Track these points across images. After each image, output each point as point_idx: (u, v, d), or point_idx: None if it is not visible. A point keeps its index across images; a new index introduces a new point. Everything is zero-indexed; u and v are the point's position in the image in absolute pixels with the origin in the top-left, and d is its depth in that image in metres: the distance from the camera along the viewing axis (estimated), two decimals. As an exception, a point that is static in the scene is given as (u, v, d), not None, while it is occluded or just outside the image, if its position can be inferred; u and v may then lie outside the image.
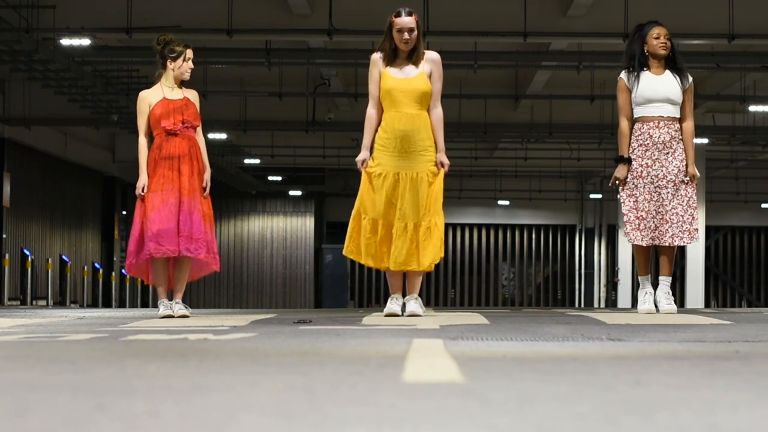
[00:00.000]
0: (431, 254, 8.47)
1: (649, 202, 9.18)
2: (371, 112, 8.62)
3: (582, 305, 42.05)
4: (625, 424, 2.17)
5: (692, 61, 22.02)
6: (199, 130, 9.62)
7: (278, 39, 21.46)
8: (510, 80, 27.35)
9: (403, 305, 8.53)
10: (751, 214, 42.88)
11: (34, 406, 2.44)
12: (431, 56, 8.59)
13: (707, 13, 19.36)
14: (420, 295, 8.64)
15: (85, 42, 19.64)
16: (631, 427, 2.13)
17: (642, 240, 9.18)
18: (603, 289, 43.02)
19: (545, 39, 20.80)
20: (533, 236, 43.90)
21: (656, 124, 9.16)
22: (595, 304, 42.30)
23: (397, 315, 8.30)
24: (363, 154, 8.56)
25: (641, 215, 9.18)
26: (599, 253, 43.12)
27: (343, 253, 8.70)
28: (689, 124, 9.28)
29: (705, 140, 29.27)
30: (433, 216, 8.48)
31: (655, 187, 9.18)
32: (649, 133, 9.16)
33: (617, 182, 9.29)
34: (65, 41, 19.66)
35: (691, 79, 9.32)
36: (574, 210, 43.05)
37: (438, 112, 8.58)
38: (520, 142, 31.80)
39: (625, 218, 9.25)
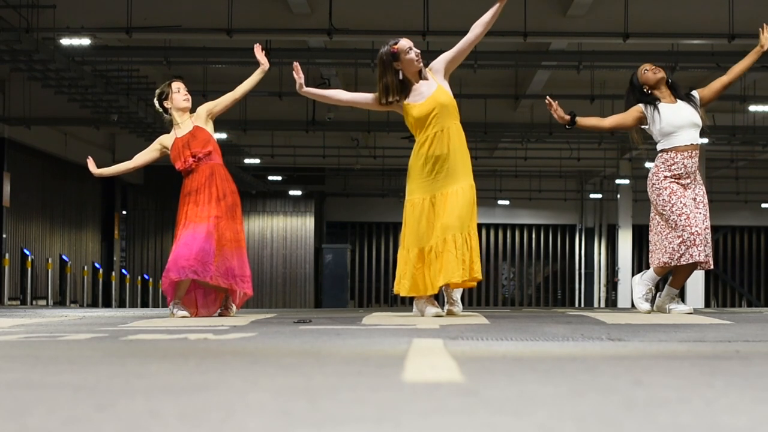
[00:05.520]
0: (475, 264, 8.50)
1: (702, 219, 9.09)
2: (344, 92, 8.80)
3: (582, 305, 42.02)
4: (625, 424, 2.17)
5: (692, 61, 22.04)
6: (232, 93, 9.72)
7: (278, 39, 21.45)
8: (510, 80, 27.34)
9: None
10: (751, 214, 42.87)
11: (34, 406, 2.44)
12: (432, 66, 8.48)
13: (707, 13, 19.36)
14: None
15: (85, 42, 19.64)
16: (631, 427, 2.13)
17: (699, 255, 8.99)
18: (603, 289, 43.01)
19: (545, 39, 20.80)
20: (533, 236, 43.89)
21: (690, 153, 9.09)
22: (595, 304, 42.27)
23: (441, 316, 8.34)
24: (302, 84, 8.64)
25: (696, 231, 9.01)
26: (599, 253, 43.10)
27: (395, 291, 8.65)
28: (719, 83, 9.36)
29: (705, 140, 29.25)
30: (473, 227, 8.51)
31: (696, 204, 9.13)
32: (683, 163, 9.07)
33: (555, 107, 9.37)
34: (65, 41, 19.65)
35: (696, 93, 9.32)
36: (574, 210, 43.04)
37: (470, 35, 8.41)
38: (520, 142, 31.80)
39: (679, 239, 8.98)
